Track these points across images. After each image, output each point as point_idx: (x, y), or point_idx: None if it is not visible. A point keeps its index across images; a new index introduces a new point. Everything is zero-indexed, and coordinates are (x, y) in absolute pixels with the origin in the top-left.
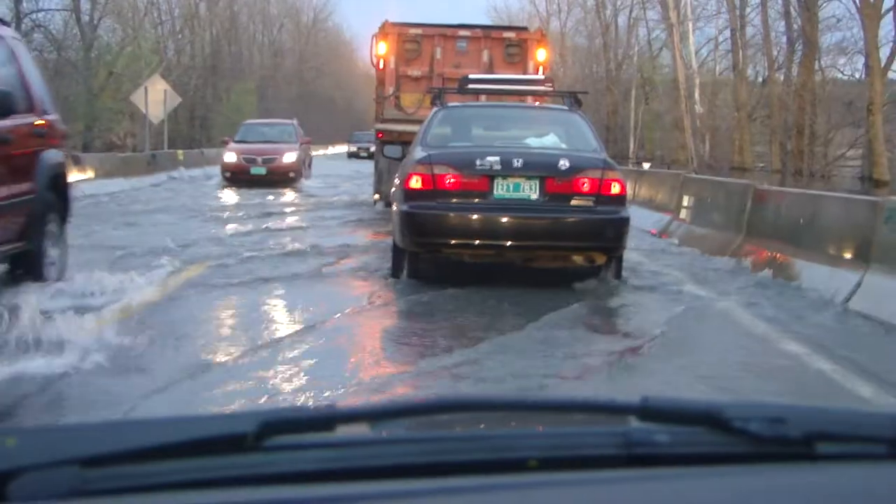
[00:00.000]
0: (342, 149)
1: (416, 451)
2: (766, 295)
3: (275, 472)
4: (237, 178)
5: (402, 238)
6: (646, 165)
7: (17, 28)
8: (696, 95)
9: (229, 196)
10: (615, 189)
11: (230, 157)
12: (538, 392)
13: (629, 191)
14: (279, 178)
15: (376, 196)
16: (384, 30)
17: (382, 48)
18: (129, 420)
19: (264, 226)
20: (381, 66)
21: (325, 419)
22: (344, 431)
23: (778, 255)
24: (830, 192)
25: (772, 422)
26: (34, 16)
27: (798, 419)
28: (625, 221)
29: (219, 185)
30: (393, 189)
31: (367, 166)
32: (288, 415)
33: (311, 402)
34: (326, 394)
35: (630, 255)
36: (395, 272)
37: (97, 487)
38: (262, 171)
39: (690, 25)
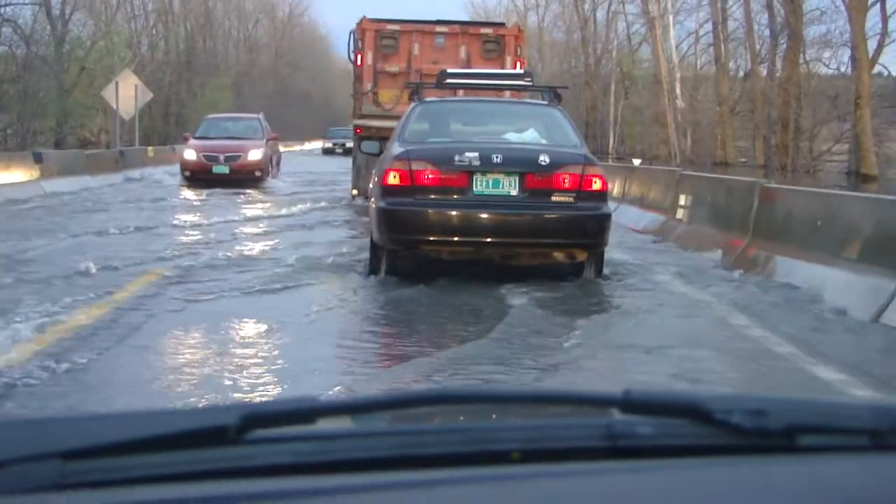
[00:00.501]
0: (318, 145)
1: (397, 444)
2: (781, 305)
3: (256, 465)
4: (197, 177)
5: (379, 235)
6: (636, 162)
7: None
8: (678, 90)
9: (186, 199)
10: (596, 185)
11: (190, 154)
12: (519, 385)
13: (618, 189)
14: (244, 178)
15: (354, 191)
16: (361, 26)
17: (360, 44)
18: (110, 413)
19: (212, 242)
20: (359, 62)
21: (306, 412)
22: (325, 424)
23: (791, 259)
24: (844, 191)
25: (753, 414)
26: (2, 10)
27: (779, 411)
28: (606, 217)
29: (178, 186)
30: (371, 185)
31: (343, 163)
32: (269, 408)
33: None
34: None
35: (620, 257)
36: (373, 270)
37: (78, 480)
38: (224, 169)
39: (671, 19)
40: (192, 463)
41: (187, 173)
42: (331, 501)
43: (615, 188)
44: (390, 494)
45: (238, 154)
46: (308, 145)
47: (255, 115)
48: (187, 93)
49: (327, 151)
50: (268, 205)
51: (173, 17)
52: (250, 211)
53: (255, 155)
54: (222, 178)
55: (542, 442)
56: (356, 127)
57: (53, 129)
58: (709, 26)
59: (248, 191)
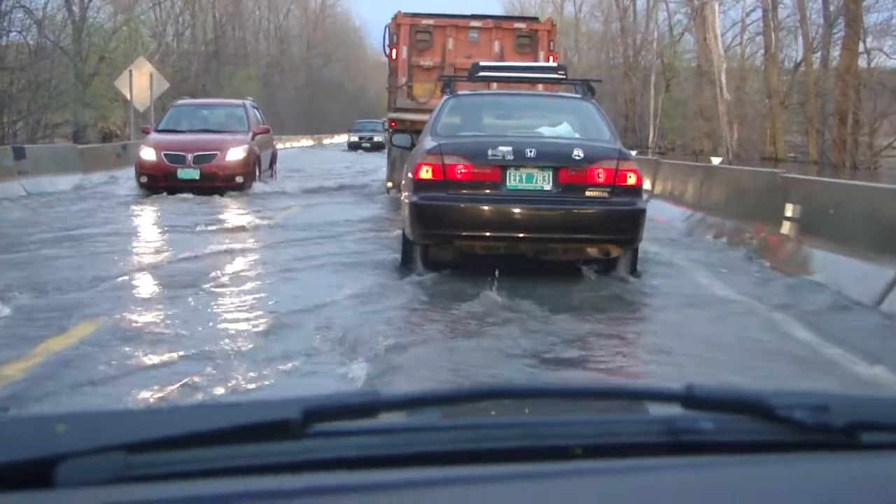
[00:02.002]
0: (346, 139)
1: (459, 438)
2: None
3: (318, 459)
4: (157, 184)
5: (412, 230)
6: (716, 161)
7: None
8: (723, 81)
9: (128, 218)
10: (631, 180)
11: (147, 154)
12: (576, 379)
13: (693, 194)
14: (220, 185)
15: (389, 183)
16: (397, 21)
17: (395, 39)
18: (173, 406)
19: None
20: (394, 56)
21: (368, 406)
22: (386, 418)
23: None
24: None
25: (816, 410)
26: None
27: (842, 408)
28: (641, 213)
29: (130, 196)
30: (403, 179)
31: (371, 161)
32: (330, 401)
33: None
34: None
35: (725, 293)
36: (405, 264)
37: (142, 473)
38: (193, 173)
39: (717, 7)
40: (254, 456)
41: (143, 178)
42: (395, 496)
43: (689, 192)
44: (454, 489)
45: (212, 153)
46: (337, 139)
47: (239, 102)
48: (214, 83)
49: (353, 146)
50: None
51: (201, 5)
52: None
53: (235, 154)
54: (190, 184)
55: (605, 437)
56: (391, 120)
57: (71, 122)
58: (754, 15)
59: (223, 209)
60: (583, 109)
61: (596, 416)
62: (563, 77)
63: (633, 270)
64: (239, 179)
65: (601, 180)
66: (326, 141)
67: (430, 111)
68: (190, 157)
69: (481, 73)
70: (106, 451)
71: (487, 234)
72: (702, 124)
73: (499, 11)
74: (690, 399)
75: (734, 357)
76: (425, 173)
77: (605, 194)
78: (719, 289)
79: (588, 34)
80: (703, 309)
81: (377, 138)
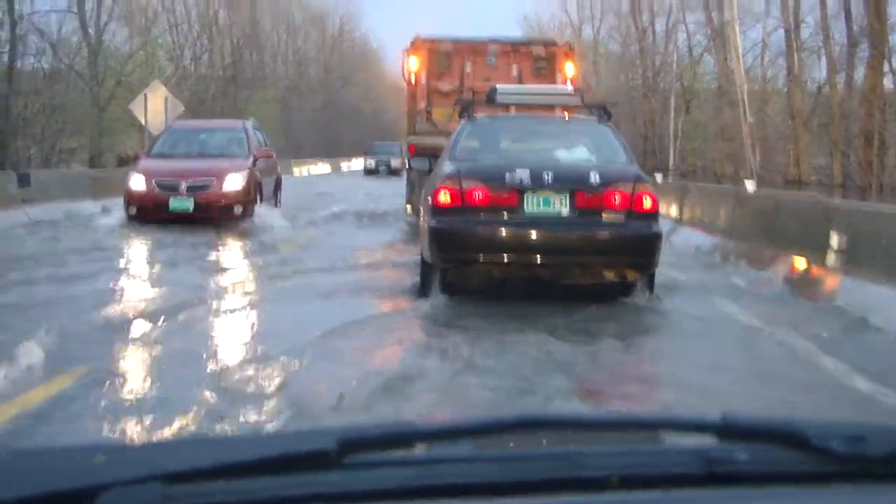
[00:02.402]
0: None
1: (497, 469)
2: None
3: (356, 490)
4: (147, 216)
5: (430, 253)
6: (750, 186)
7: (13, 31)
8: (746, 102)
9: (113, 259)
10: (647, 203)
11: (137, 182)
12: (609, 409)
13: (725, 220)
14: (217, 216)
15: (408, 206)
16: (415, 45)
17: (414, 63)
18: (211, 437)
19: None
20: (413, 80)
21: (405, 436)
22: (423, 449)
23: None
24: None
25: (852, 440)
26: (30, 17)
27: (879, 438)
28: (657, 237)
29: (117, 227)
30: (422, 203)
31: (389, 187)
32: (366, 432)
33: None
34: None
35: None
36: (424, 288)
37: (180, 503)
38: (186, 204)
39: (737, 27)
40: (292, 487)
41: (132, 210)
42: None
43: (720, 218)
44: None
45: (208, 180)
46: (355, 162)
47: (239, 123)
48: (232, 107)
49: (369, 172)
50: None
51: (218, 28)
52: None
53: (233, 182)
54: (184, 216)
55: (641, 468)
56: (410, 145)
57: (87, 147)
58: (775, 36)
59: (217, 244)
60: (599, 133)
61: (631, 447)
62: (580, 101)
63: (651, 293)
64: (238, 210)
65: (617, 204)
66: (344, 165)
67: (448, 135)
68: (183, 185)
69: (498, 98)
70: (145, 481)
71: (505, 257)
72: (723, 146)
73: (517, 34)
74: (725, 429)
75: (774, 392)
76: (444, 197)
77: (622, 218)
78: (756, 321)
79: (606, 56)
80: (737, 342)
81: (394, 162)
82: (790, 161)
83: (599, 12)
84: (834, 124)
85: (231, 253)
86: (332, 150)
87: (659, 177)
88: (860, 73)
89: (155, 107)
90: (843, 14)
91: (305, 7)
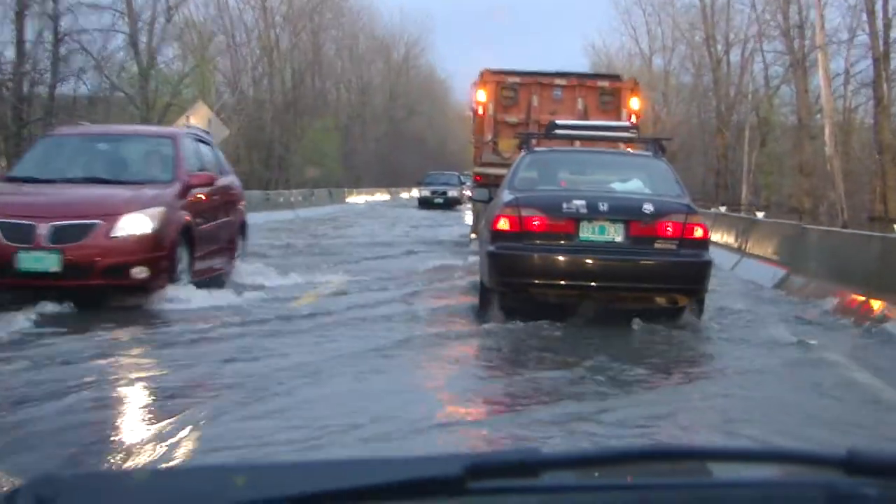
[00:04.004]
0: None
1: (621, 499)
2: None
3: None
4: None
5: (489, 277)
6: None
7: (55, 50)
8: (827, 135)
9: None
10: (698, 233)
11: None
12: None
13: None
14: (101, 284)
15: (472, 235)
16: (483, 78)
17: (482, 95)
18: (334, 460)
19: None
20: (481, 112)
21: (529, 464)
22: (548, 477)
23: None
24: None
25: None
26: (77, 37)
27: None
28: (707, 264)
29: None
30: (481, 229)
31: (448, 222)
32: (491, 458)
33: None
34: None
35: None
36: (483, 310)
37: None
38: (47, 262)
39: (820, 55)
40: None
41: None
42: None
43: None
44: None
45: (88, 223)
46: (414, 192)
47: (169, 131)
48: (291, 134)
49: (424, 203)
50: None
51: (279, 53)
52: None
53: (133, 224)
54: (43, 283)
55: (769, 500)
56: (476, 174)
57: None
58: (858, 66)
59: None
60: (654, 167)
61: (758, 478)
62: (636, 136)
63: (699, 317)
64: (139, 273)
65: (670, 233)
66: (404, 195)
67: None
68: (43, 229)
69: (557, 131)
70: (270, 502)
71: (561, 282)
72: (802, 181)
73: (585, 64)
74: (853, 463)
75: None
76: (503, 224)
77: (674, 246)
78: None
79: (678, 87)
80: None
81: (452, 193)
82: (875, 197)
83: (671, 41)
84: None
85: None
86: (394, 180)
87: (723, 208)
88: None
89: None
90: None
91: (370, 34)
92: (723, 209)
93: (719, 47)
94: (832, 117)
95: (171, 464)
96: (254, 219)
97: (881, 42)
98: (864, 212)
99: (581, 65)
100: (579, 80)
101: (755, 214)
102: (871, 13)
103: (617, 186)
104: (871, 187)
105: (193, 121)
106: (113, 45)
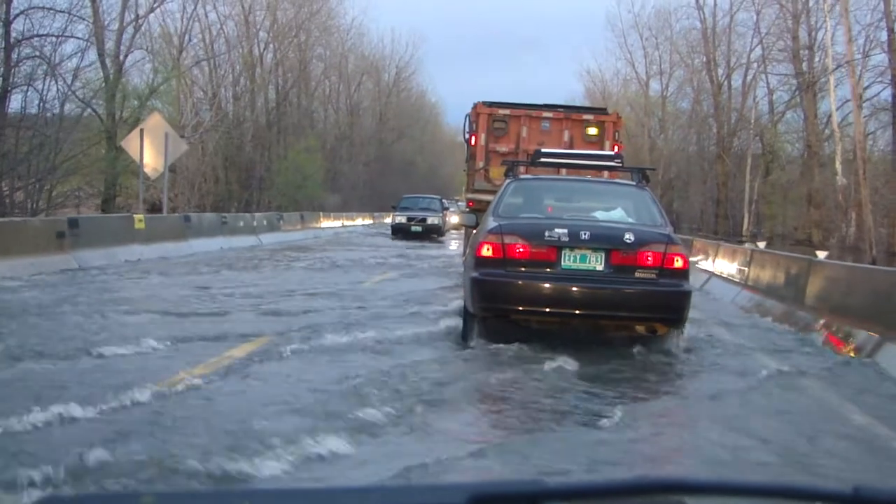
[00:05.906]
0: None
1: None
2: None
3: None
4: None
5: (472, 303)
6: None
7: (6, 56)
8: (838, 164)
9: None
10: (678, 263)
11: None
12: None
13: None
14: None
15: (463, 259)
16: (476, 110)
17: (474, 126)
18: (343, 487)
19: None
20: (473, 141)
21: (533, 494)
22: None
23: None
24: None
25: None
26: (34, 42)
27: None
28: (687, 294)
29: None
30: (466, 255)
31: (429, 262)
32: (496, 488)
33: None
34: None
35: None
36: (466, 335)
37: None
38: None
39: (832, 79)
40: None
41: None
42: None
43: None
44: None
45: None
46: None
47: None
48: (273, 153)
49: (398, 231)
50: None
51: (263, 70)
52: None
53: None
54: None
55: None
56: (468, 200)
57: (102, 193)
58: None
59: None
60: (636, 196)
61: None
62: (620, 165)
63: (678, 346)
64: None
65: (650, 262)
66: (387, 220)
67: None
68: None
69: (541, 160)
70: None
71: (543, 309)
72: (811, 212)
73: (580, 90)
74: (858, 500)
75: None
76: (486, 251)
77: (654, 276)
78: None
79: (675, 114)
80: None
81: (433, 220)
82: (894, 230)
83: (668, 65)
84: None
85: None
86: (383, 204)
87: (762, 245)
88: None
89: (153, 145)
90: None
91: (359, 54)
92: (761, 245)
93: (720, 71)
94: (862, 142)
95: (176, 489)
96: (204, 247)
97: None
98: (882, 245)
99: (575, 90)
100: (566, 113)
101: (757, 245)
102: (892, 31)
103: (600, 215)
104: (890, 220)
105: (148, 135)
106: (71, 52)
